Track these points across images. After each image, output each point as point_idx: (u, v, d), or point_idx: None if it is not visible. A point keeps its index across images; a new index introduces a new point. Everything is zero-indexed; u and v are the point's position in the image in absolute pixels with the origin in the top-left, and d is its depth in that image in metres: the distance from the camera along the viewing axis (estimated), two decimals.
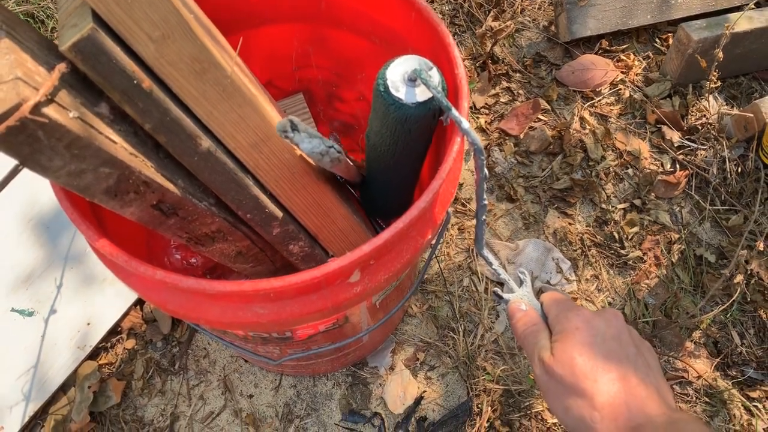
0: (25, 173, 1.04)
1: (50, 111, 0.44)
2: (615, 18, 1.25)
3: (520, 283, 0.61)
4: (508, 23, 1.29)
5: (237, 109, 0.57)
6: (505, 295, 0.59)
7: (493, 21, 1.32)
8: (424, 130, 0.61)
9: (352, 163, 0.71)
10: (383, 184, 0.72)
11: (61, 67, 0.47)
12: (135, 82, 0.51)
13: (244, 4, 0.73)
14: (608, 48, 1.30)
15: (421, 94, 0.56)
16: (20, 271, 0.99)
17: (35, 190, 1.03)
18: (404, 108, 0.56)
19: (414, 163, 0.67)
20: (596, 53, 1.29)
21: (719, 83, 1.13)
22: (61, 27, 0.50)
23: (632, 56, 1.29)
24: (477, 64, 1.30)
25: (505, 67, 1.30)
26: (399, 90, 0.57)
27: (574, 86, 1.26)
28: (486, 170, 0.53)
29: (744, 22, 1.14)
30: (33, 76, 0.45)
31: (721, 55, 1.07)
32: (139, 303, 1.02)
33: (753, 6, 1.12)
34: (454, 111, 0.51)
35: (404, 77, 0.57)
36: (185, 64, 0.53)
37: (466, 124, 0.49)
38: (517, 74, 1.29)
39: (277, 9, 0.74)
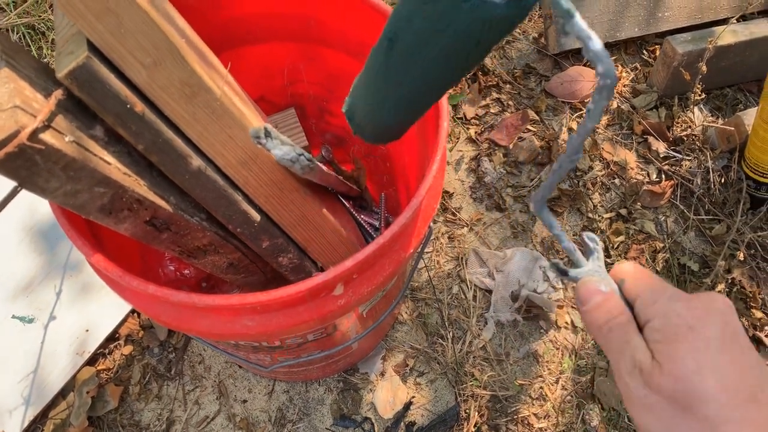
0: None
1: (47, 137, 0.47)
2: (603, 30, 1.28)
3: (590, 254, 0.44)
4: None
5: (226, 129, 0.60)
6: (572, 271, 0.43)
7: None
8: (501, 37, 0.41)
9: (332, 173, 0.73)
10: (391, 99, 0.52)
11: (58, 94, 0.50)
12: (128, 106, 0.53)
13: (237, 25, 0.76)
14: None
15: None
16: (20, 278, 1.01)
17: (34, 200, 1.06)
18: (486, 6, 0.36)
19: (455, 81, 0.48)
20: (585, 65, 1.32)
21: (704, 95, 1.16)
22: (58, 54, 0.53)
23: (620, 68, 1.32)
24: (468, 76, 1.33)
25: (496, 79, 1.32)
26: None
27: (563, 97, 1.28)
28: (597, 120, 0.34)
29: (728, 35, 1.16)
30: (31, 103, 0.47)
31: (704, 68, 1.09)
32: (136, 310, 1.05)
33: (735, 21, 1.15)
34: (578, 19, 0.30)
35: None
36: (176, 89, 0.55)
37: (596, 43, 0.30)
38: (507, 85, 1.32)
39: (269, 29, 0.77)
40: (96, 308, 1.01)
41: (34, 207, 1.05)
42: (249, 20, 0.78)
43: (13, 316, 0.99)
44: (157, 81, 0.54)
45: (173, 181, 0.61)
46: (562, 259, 1.14)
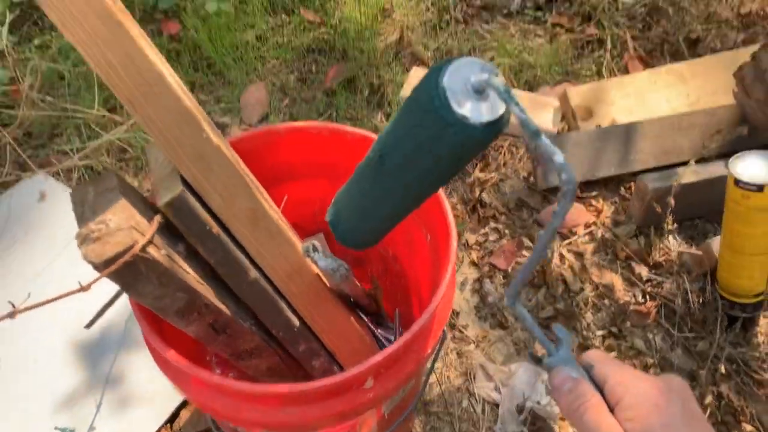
0: (76, 300, 1.19)
1: (151, 250, 0.60)
2: (583, 170, 1.48)
3: (557, 343, 0.50)
4: (493, 174, 1.51)
5: (278, 247, 0.74)
6: (546, 359, 0.49)
7: (479, 172, 1.54)
8: (477, 154, 0.49)
9: (359, 285, 0.86)
10: (377, 210, 0.59)
11: (158, 218, 0.64)
12: (207, 228, 0.68)
13: (285, 166, 0.93)
14: (580, 195, 1.50)
15: (489, 110, 0.44)
16: (64, 390, 1.10)
17: (84, 315, 1.16)
18: (468, 130, 0.43)
19: (434, 192, 0.57)
20: None
21: (676, 225, 1.32)
22: (157, 188, 0.68)
23: (601, 201, 1.49)
24: (468, 208, 1.50)
25: (492, 210, 1.49)
26: (462, 105, 0.43)
27: None
28: (562, 220, 0.42)
29: (691, 175, 1.35)
30: (140, 225, 0.62)
31: (673, 202, 1.26)
32: (170, 421, 1.12)
33: (693, 163, 1.34)
34: (544, 139, 0.40)
35: (468, 87, 0.44)
36: (244, 215, 0.70)
37: (560, 157, 0.39)
38: (503, 216, 1.49)
39: (309, 169, 0.94)
40: (132, 420, 1.09)
41: (82, 321, 1.16)
42: (292, 163, 0.96)
43: (56, 428, 1.06)
44: (231, 209, 0.69)
45: (231, 290, 0.74)
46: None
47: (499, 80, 0.43)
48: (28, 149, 1.58)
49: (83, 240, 0.58)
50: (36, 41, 1.85)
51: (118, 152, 1.57)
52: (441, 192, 0.85)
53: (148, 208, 0.67)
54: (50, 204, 1.36)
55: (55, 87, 1.74)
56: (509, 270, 1.38)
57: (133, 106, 0.60)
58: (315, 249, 0.71)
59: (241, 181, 0.69)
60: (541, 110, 1.61)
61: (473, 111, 0.43)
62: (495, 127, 0.45)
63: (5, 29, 1.53)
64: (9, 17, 1.56)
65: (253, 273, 0.73)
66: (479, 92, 0.44)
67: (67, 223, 1.31)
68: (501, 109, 0.44)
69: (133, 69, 0.58)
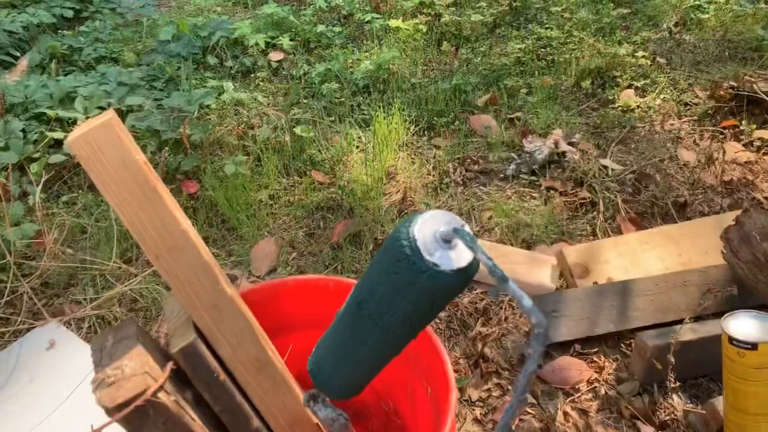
0: None
1: (161, 395, 0.63)
2: (583, 326, 1.50)
3: None
4: (494, 329, 1.54)
5: (281, 396, 0.76)
6: None
7: (481, 326, 1.57)
8: (450, 299, 0.51)
9: None
10: (357, 355, 0.59)
11: (171, 365, 0.67)
12: (215, 375, 0.71)
13: (290, 317, 0.97)
14: (581, 351, 1.52)
15: (459, 258, 0.47)
16: None
17: None
18: (440, 276, 0.46)
19: (412, 337, 0.57)
20: (571, 355, 1.51)
21: (678, 383, 1.32)
22: (172, 335, 0.72)
23: (603, 358, 1.50)
24: (470, 362, 1.51)
25: (495, 366, 1.49)
26: (433, 253, 0.46)
27: (556, 384, 1.44)
28: (536, 363, 0.43)
29: (689, 332, 1.37)
30: (153, 371, 0.65)
31: (672, 359, 1.27)
32: None
33: (689, 321, 1.37)
34: (512, 284, 0.42)
35: (437, 237, 0.47)
36: (250, 363, 0.73)
37: (528, 301, 0.41)
38: (506, 372, 1.49)
39: (313, 320, 0.98)
40: None
41: None
42: (297, 315, 1.00)
43: None
44: (238, 356, 0.73)
45: None
46: None
47: (466, 230, 0.46)
48: (44, 298, 1.64)
49: (98, 385, 0.62)
50: (64, 198, 1.99)
51: (129, 302, 1.62)
52: (441, 344, 0.89)
53: (159, 354, 0.71)
54: (58, 352, 1.39)
55: (77, 240, 1.84)
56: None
57: (158, 259, 0.66)
58: (316, 399, 0.73)
59: (250, 331, 0.74)
60: (539, 267, 1.68)
61: (443, 259, 0.47)
62: (465, 274, 0.48)
63: (39, 188, 1.66)
64: (44, 177, 1.70)
65: (256, 422, 0.74)
66: (447, 242, 0.47)
67: (71, 371, 1.33)
68: (470, 257, 0.47)
69: (162, 228, 0.65)
